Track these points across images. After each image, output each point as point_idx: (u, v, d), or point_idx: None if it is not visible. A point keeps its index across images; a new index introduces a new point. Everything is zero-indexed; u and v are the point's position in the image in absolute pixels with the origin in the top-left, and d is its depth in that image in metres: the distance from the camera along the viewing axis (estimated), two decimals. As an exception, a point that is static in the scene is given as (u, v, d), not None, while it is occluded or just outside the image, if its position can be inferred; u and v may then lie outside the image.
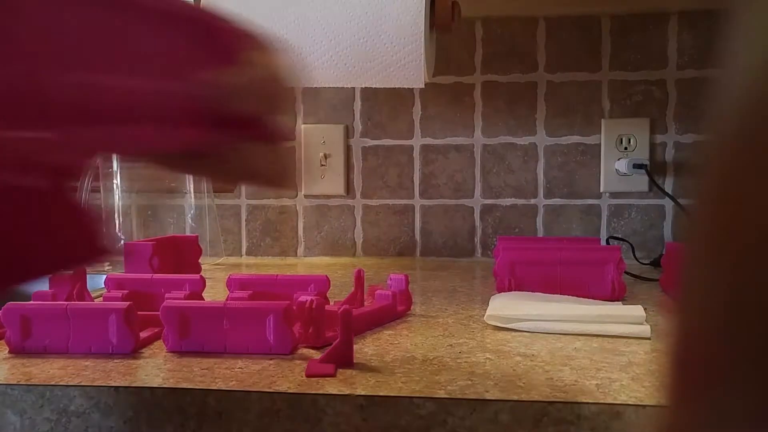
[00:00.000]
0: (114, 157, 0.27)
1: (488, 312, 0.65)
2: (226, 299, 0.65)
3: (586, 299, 0.72)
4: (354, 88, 1.20)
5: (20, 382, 0.48)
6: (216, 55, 0.26)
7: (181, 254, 0.96)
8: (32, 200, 0.23)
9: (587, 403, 0.44)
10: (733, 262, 0.14)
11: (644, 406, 0.43)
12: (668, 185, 1.16)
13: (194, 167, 0.30)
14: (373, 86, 0.95)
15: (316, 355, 0.53)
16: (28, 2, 0.18)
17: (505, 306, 0.66)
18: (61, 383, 0.48)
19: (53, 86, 0.18)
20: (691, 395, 0.15)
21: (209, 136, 0.25)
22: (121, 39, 0.22)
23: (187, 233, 1.19)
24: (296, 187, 0.36)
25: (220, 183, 0.33)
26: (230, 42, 0.28)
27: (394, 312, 0.68)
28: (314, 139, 1.21)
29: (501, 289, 0.79)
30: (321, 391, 0.46)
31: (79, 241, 0.25)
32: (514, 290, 0.78)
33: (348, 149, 1.22)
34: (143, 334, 0.58)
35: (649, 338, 0.60)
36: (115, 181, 1.06)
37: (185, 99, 0.24)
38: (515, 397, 0.44)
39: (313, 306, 0.55)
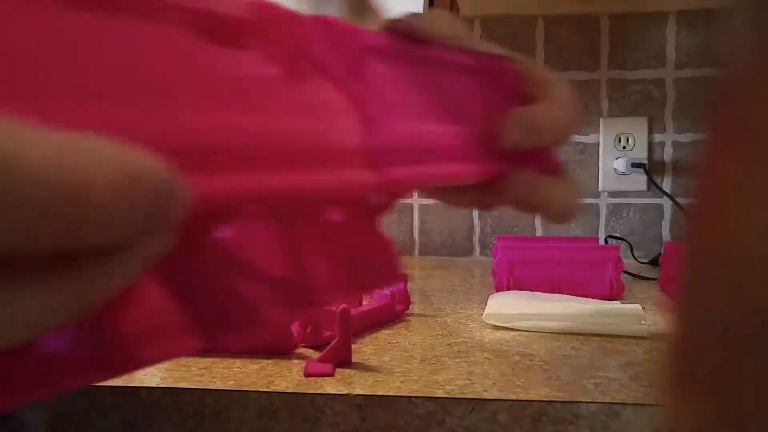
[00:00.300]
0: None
1: (487, 311, 0.65)
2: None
3: (585, 298, 0.72)
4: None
5: (17, 382, 0.48)
6: (512, 96, 0.30)
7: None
8: (348, 232, 0.28)
9: (586, 402, 0.44)
10: (732, 262, 0.14)
11: (643, 406, 0.43)
12: (667, 184, 1.16)
13: (470, 197, 0.32)
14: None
15: (315, 354, 0.53)
16: (385, 69, 0.24)
17: (503, 305, 0.66)
18: (58, 383, 0.48)
19: (393, 135, 0.22)
20: (691, 395, 0.15)
21: (502, 168, 0.28)
22: (434, 90, 0.26)
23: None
24: (577, 220, 0.36)
25: (488, 209, 0.33)
26: (523, 83, 0.31)
27: (392, 311, 0.68)
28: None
29: (499, 289, 0.79)
30: (319, 391, 0.46)
31: (383, 266, 0.30)
32: (513, 289, 0.78)
33: (346, 148, 1.21)
34: (141, 334, 0.58)
35: (647, 337, 0.60)
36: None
37: (486, 138, 0.27)
38: (514, 397, 0.44)
39: (312, 305, 0.55)
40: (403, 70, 0.25)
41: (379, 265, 0.30)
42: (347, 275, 0.28)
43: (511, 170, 0.29)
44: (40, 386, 0.16)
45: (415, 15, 0.28)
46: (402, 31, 0.28)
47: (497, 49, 0.32)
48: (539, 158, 0.31)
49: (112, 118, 0.12)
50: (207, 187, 0.14)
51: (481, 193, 0.31)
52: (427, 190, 0.34)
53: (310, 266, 0.25)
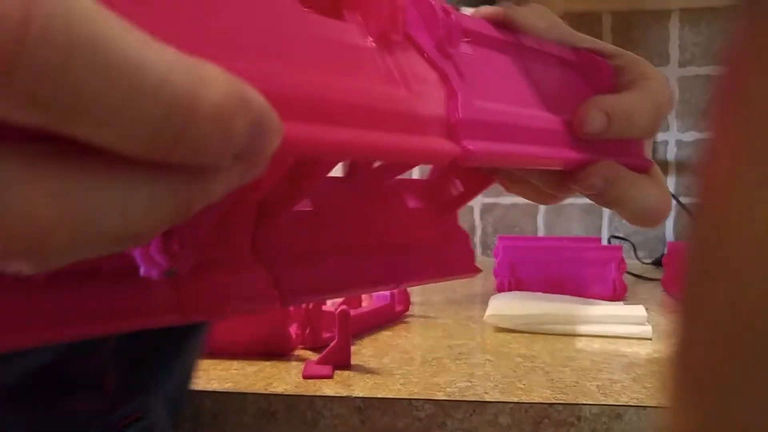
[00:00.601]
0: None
1: (488, 312, 0.65)
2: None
3: (587, 299, 0.72)
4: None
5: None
6: (606, 91, 0.30)
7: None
8: (426, 220, 0.31)
9: (588, 404, 0.43)
10: (735, 264, 0.13)
11: (645, 408, 0.43)
12: (670, 184, 1.15)
13: (549, 186, 0.32)
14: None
15: (313, 356, 0.53)
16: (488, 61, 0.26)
17: (505, 306, 0.65)
18: (54, 385, 0.47)
19: (477, 111, 0.23)
20: (693, 399, 0.15)
21: (586, 157, 0.28)
22: (525, 77, 0.28)
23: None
24: (659, 224, 0.33)
25: (563, 197, 0.32)
26: (618, 77, 0.32)
27: (392, 313, 0.68)
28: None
29: (501, 289, 0.78)
30: (318, 393, 0.45)
31: (459, 257, 0.32)
32: (515, 290, 0.77)
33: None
34: (139, 336, 0.58)
35: (650, 339, 0.59)
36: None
37: (572, 126, 0.28)
38: (515, 399, 0.44)
39: (310, 306, 0.55)
40: (495, 55, 0.27)
41: (454, 255, 0.32)
42: (425, 260, 0.30)
43: (595, 160, 0.29)
44: (130, 316, 0.19)
45: (511, 7, 0.29)
46: (498, 20, 0.29)
47: (594, 43, 0.32)
48: (626, 152, 0.31)
49: (223, 63, 0.13)
50: (299, 132, 0.16)
51: (561, 181, 0.30)
52: (507, 182, 0.33)
53: (392, 242, 0.28)
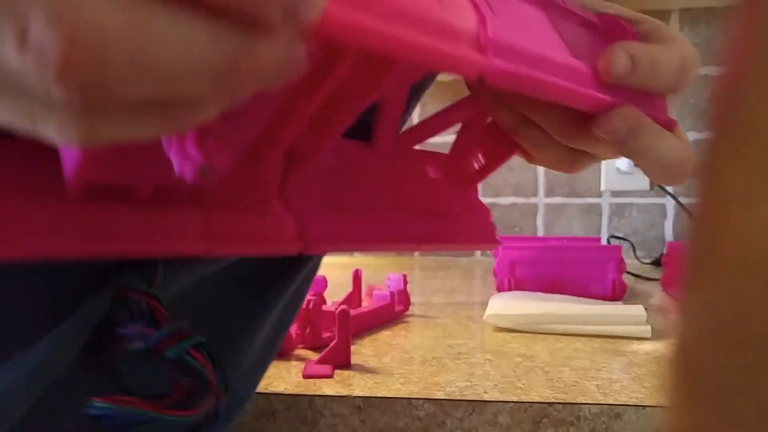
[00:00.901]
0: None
1: (488, 312, 0.65)
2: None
3: (587, 299, 0.72)
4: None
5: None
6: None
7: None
8: (447, 191, 0.32)
9: (587, 404, 0.43)
10: (735, 263, 0.14)
11: (645, 407, 0.43)
12: (669, 184, 1.15)
13: (570, 135, 0.31)
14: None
15: (313, 356, 0.53)
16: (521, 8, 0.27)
17: (504, 306, 0.65)
18: (54, 385, 0.47)
19: (506, 37, 0.24)
20: (692, 398, 0.15)
21: (610, 101, 0.28)
22: (553, 29, 0.28)
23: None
24: (683, 179, 0.32)
25: (586, 159, 0.32)
26: (640, 40, 0.32)
27: (392, 312, 0.68)
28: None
29: (501, 289, 0.78)
30: (318, 393, 0.45)
31: (479, 229, 0.33)
32: (514, 290, 0.77)
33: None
34: (139, 335, 0.58)
35: (649, 338, 0.59)
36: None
37: (597, 74, 0.28)
38: (515, 398, 0.44)
39: (310, 306, 0.55)
40: (524, 5, 0.27)
41: (475, 225, 0.33)
42: (446, 226, 0.31)
43: (619, 104, 0.29)
44: (158, 240, 0.20)
45: None
46: None
47: (619, 10, 0.32)
48: (652, 107, 0.30)
49: None
50: (337, 12, 0.16)
51: (583, 132, 0.30)
52: (532, 148, 0.33)
53: (414, 206, 0.29)
